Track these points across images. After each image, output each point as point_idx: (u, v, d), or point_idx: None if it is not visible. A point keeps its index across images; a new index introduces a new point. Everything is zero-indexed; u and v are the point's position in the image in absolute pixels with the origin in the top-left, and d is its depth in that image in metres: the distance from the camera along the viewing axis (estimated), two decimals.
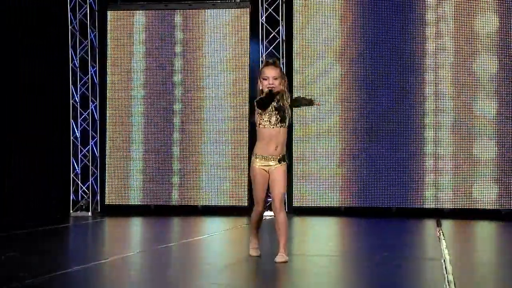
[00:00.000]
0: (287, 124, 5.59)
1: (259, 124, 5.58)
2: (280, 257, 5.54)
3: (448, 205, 10.39)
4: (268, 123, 5.54)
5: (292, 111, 5.69)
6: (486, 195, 10.28)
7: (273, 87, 5.51)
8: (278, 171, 5.60)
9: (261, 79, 5.60)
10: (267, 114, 5.53)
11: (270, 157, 5.58)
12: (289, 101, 5.61)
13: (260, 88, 5.60)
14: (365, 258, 6.25)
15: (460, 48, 10.42)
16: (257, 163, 5.61)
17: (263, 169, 5.61)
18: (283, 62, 10.76)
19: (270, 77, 5.53)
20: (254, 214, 5.76)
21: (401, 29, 10.56)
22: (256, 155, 5.62)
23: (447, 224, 9.32)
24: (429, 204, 10.42)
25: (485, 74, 10.36)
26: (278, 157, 5.59)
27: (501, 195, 10.24)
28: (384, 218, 10.14)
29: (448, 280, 4.86)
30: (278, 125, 5.54)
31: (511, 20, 10.27)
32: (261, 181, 5.63)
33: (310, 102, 5.76)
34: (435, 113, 10.45)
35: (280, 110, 5.54)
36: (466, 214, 10.28)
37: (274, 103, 5.54)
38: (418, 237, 8.58)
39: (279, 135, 5.56)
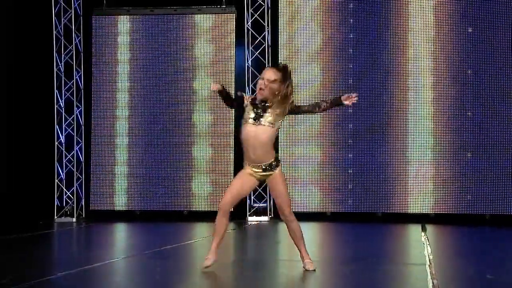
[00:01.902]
0: (264, 123, 5.28)
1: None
2: (310, 264, 5.49)
3: (433, 210, 10.43)
4: (243, 120, 5.36)
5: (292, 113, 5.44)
6: (470, 200, 10.32)
7: (261, 89, 5.30)
8: (272, 180, 5.42)
9: (259, 80, 5.40)
10: (246, 109, 5.34)
11: (254, 164, 5.38)
12: (288, 108, 5.34)
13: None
14: (350, 263, 6.25)
15: (441, 54, 10.48)
16: (246, 168, 5.43)
17: (252, 174, 5.41)
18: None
19: (265, 78, 5.33)
20: (218, 210, 5.45)
21: (385, 35, 10.60)
22: (244, 162, 5.46)
23: (432, 229, 9.35)
24: (414, 209, 10.45)
25: (465, 81, 10.42)
26: (263, 165, 5.38)
27: (486, 200, 10.29)
28: (369, 223, 10.15)
29: (433, 285, 4.87)
30: (249, 121, 5.31)
31: (484, 29, 10.37)
32: (242, 178, 5.40)
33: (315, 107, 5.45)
34: (417, 117, 10.50)
35: (257, 107, 5.32)
36: (450, 219, 10.32)
37: (257, 102, 5.33)
38: (403, 242, 8.60)
39: (252, 133, 5.30)
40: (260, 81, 5.37)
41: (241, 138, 5.44)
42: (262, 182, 5.57)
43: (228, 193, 5.46)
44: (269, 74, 5.36)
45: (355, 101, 5.46)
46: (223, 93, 5.43)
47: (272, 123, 5.35)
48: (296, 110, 5.46)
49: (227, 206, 5.45)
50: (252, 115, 5.35)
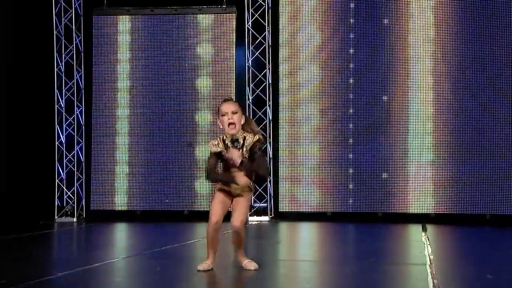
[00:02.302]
0: (246, 166, 5.33)
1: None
2: (251, 264, 5.51)
3: (433, 210, 10.43)
4: (221, 162, 5.44)
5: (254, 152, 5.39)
6: (470, 200, 10.32)
7: (233, 122, 5.33)
8: (244, 196, 5.46)
9: (220, 117, 5.43)
10: (224, 158, 5.38)
11: (231, 187, 5.47)
12: (252, 140, 5.35)
13: (221, 125, 5.43)
14: (351, 263, 6.25)
15: (442, 55, 10.47)
16: (220, 185, 5.53)
17: (226, 189, 5.48)
18: (269, 68, 10.77)
19: (229, 112, 5.37)
20: (208, 228, 5.49)
21: (386, 35, 10.60)
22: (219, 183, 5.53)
23: (432, 229, 9.34)
24: (415, 209, 10.45)
25: (466, 81, 10.42)
26: (240, 189, 5.44)
27: (486, 200, 10.29)
28: (370, 223, 10.15)
29: (433, 285, 4.87)
30: (232, 169, 5.39)
31: (483, 30, 10.37)
32: (221, 196, 5.46)
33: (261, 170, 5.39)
34: (417, 117, 10.50)
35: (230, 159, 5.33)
36: (451, 219, 10.32)
37: (228, 142, 5.37)
38: (404, 242, 8.59)
39: (239, 176, 5.39)
40: (224, 118, 5.38)
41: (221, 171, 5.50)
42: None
43: (216, 210, 5.43)
44: (231, 107, 5.40)
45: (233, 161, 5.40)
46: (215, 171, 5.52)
47: (251, 161, 5.37)
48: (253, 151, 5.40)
49: (220, 223, 5.45)
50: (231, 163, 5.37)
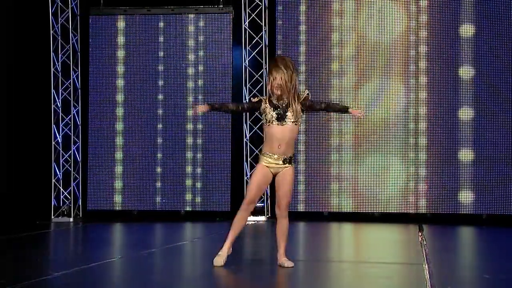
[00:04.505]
0: (288, 123, 5.43)
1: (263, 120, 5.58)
2: (287, 262, 5.58)
3: (430, 210, 10.44)
4: (265, 120, 5.52)
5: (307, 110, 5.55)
6: (467, 200, 10.34)
7: (278, 87, 5.42)
8: (284, 174, 5.55)
9: (269, 76, 5.47)
10: (266, 110, 5.47)
11: (274, 155, 5.51)
12: (303, 96, 5.47)
13: (269, 87, 5.49)
14: (347, 263, 6.25)
15: (442, 55, 10.49)
16: (263, 161, 5.55)
17: (267, 167, 5.53)
18: (266, 68, 10.77)
19: (278, 78, 5.42)
20: (238, 215, 5.61)
21: (386, 34, 10.61)
22: (262, 153, 5.59)
23: (429, 229, 9.36)
24: (412, 209, 10.47)
25: (464, 81, 10.44)
26: (283, 157, 5.50)
27: (482, 200, 10.31)
28: (367, 223, 10.16)
29: (430, 285, 4.88)
30: (274, 123, 5.45)
31: (487, 28, 10.39)
32: (260, 178, 5.53)
33: (340, 109, 5.66)
34: (417, 119, 10.52)
35: (277, 107, 5.45)
36: (447, 219, 10.34)
37: (274, 100, 5.46)
38: (400, 242, 8.60)
39: (279, 133, 5.45)
40: (273, 83, 5.44)
41: (265, 135, 5.60)
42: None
43: (252, 190, 5.55)
44: (281, 75, 5.44)
45: (360, 116, 5.63)
46: (216, 108, 5.61)
47: (295, 121, 5.50)
48: (310, 105, 5.55)
49: (253, 204, 5.61)
50: (275, 116, 5.47)
